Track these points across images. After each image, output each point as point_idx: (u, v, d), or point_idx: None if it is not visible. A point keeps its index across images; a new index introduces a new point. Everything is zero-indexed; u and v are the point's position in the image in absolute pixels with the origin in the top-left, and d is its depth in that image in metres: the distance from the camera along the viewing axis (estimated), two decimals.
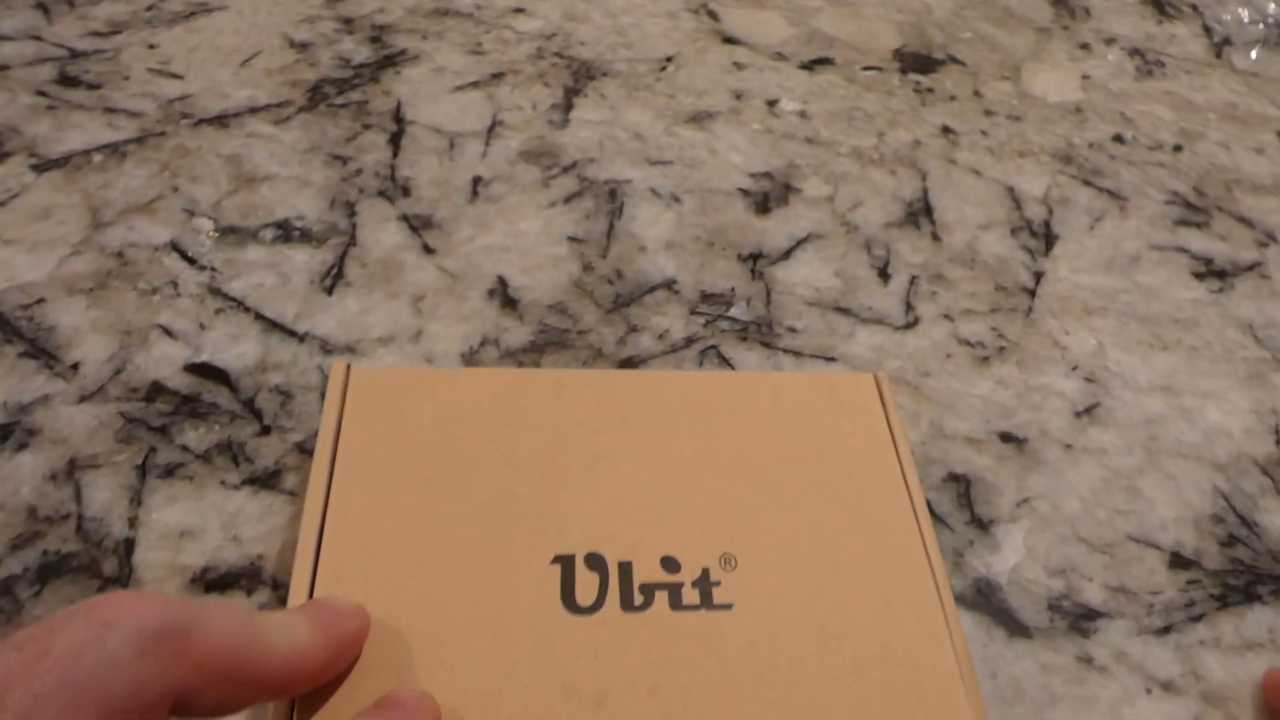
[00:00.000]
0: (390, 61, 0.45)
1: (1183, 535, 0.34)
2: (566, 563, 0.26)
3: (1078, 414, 0.37)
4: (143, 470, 0.30)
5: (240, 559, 0.29)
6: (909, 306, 0.39)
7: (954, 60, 0.50)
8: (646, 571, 0.27)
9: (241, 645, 0.20)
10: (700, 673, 0.25)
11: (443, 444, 0.28)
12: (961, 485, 0.34)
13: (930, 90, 0.49)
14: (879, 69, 0.49)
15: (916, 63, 0.50)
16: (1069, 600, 0.32)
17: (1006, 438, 0.35)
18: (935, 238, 0.42)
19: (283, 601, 0.28)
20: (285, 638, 0.21)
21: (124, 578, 0.28)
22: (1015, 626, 0.31)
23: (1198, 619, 0.32)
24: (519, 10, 0.48)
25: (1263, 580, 0.33)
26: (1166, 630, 0.32)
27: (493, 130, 0.43)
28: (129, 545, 0.29)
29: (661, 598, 0.26)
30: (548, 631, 0.25)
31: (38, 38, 0.43)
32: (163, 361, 0.33)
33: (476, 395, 0.30)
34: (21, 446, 0.30)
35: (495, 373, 0.31)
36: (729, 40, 0.49)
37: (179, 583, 0.28)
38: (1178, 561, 0.33)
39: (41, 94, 0.40)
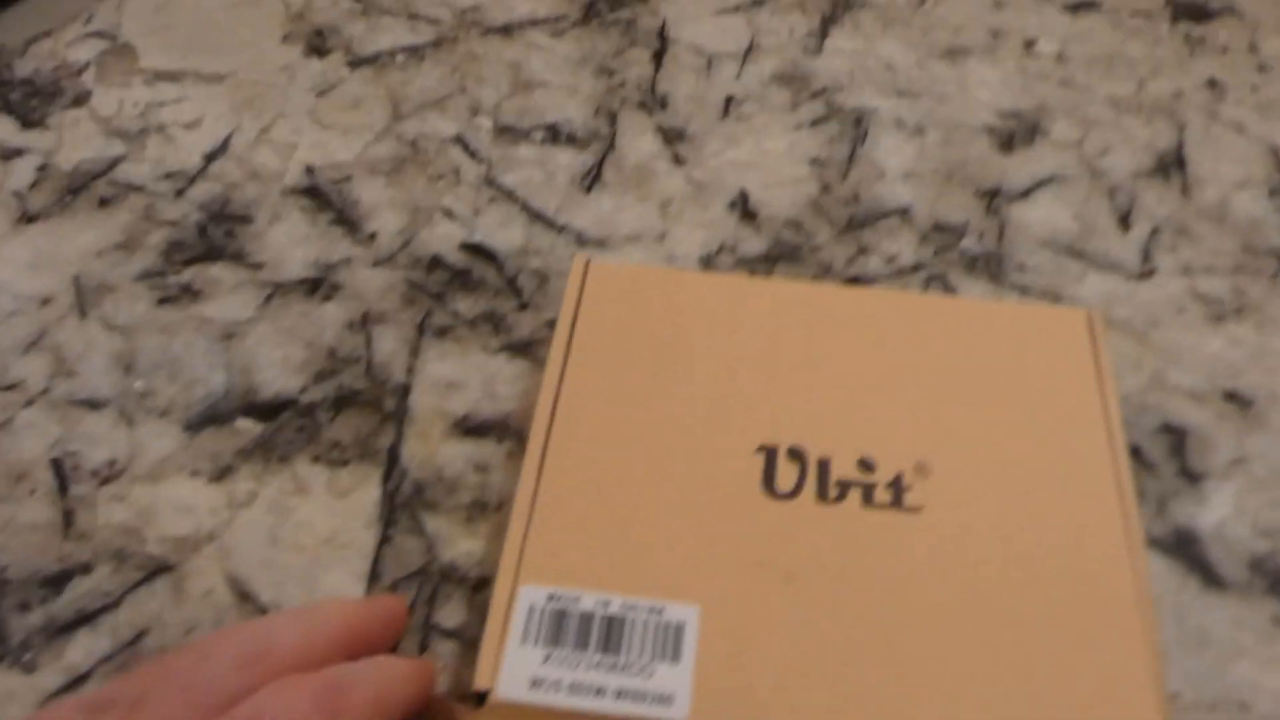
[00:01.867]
0: None
1: None
2: (770, 452, 0.29)
3: None
4: (421, 329, 0.35)
5: (495, 412, 0.33)
6: (1146, 256, 0.39)
7: (1232, 11, 0.48)
8: (844, 468, 0.29)
9: (312, 635, 0.24)
10: (884, 565, 0.27)
11: (668, 337, 0.32)
12: (1176, 437, 0.34)
13: (1201, 41, 0.47)
14: (1148, 15, 0.48)
15: (1190, 11, 0.48)
16: (1273, 562, 0.32)
17: (1231, 396, 0.35)
18: (1185, 192, 0.41)
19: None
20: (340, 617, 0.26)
21: (400, 414, 0.33)
22: (1211, 578, 0.31)
23: None
24: None
25: None
26: None
27: (749, 53, 0.45)
28: (405, 390, 0.34)
29: (855, 494, 0.29)
30: (747, 511, 0.28)
31: None
32: (443, 238, 0.38)
33: (702, 296, 0.33)
34: (327, 298, 0.36)
35: (721, 278, 0.34)
36: None
37: (443, 426, 0.33)
38: None
39: (358, 0, 0.46)
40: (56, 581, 0.29)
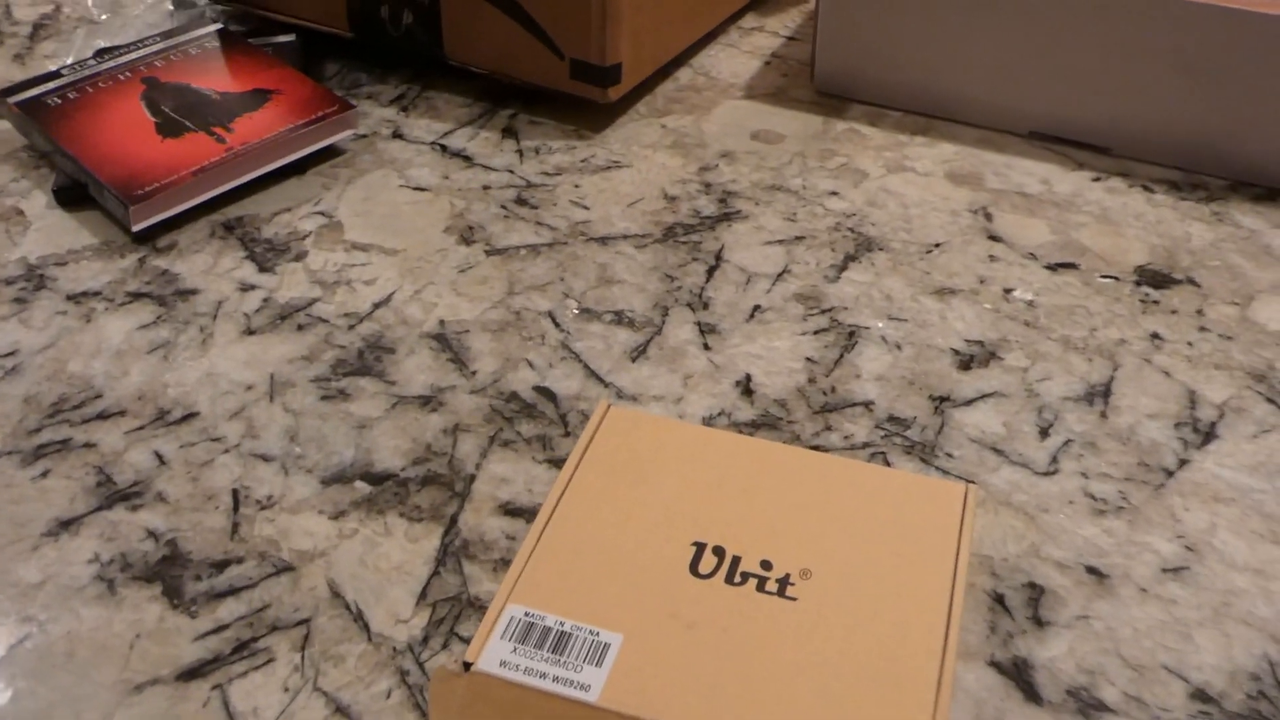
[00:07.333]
0: (727, 217, 0.63)
1: (1214, 679, 0.41)
2: (700, 546, 0.41)
3: (1165, 570, 0.45)
4: (491, 440, 0.50)
5: (529, 502, 0.47)
6: (1054, 460, 0.49)
7: (1191, 282, 0.59)
8: (750, 565, 0.41)
9: None
10: (760, 629, 0.39)
11: (651, 461, 0.45)
12: (1035, 592, 0.44)
13: (1156, 303, 0.58)
14: (1116, 278, 0.59)
15: (1154, 279, 0.59)
16: (1087, 693, 0.41)
17: (1092, 570, 0.45)
18: (1103, 416, 0.51)
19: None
20: None
21: (464, 495, 0.47)
22: (1032, 695, 0.41)
23: None
24: (834, 193, 0.65)
25: None
26: None
27: (780, 276, 0.59)
28: (471, 479, 0.48)
29: (753, 583, 0.40)
30: (674, 583, 0.40)
31: (511, 171, 0.66)
32: (522, 380, 0.52)
33: (686, 440, 0.46)
34: (433, 410, 0.51)
35: (703, 429, 0.47)
36: (993, 238, 0.62)
37: (492, 505, 0.47)
38: (1199, 695, 0.41)
39: (503, 207, 0.63)
40: (220, 566, 0.44)
